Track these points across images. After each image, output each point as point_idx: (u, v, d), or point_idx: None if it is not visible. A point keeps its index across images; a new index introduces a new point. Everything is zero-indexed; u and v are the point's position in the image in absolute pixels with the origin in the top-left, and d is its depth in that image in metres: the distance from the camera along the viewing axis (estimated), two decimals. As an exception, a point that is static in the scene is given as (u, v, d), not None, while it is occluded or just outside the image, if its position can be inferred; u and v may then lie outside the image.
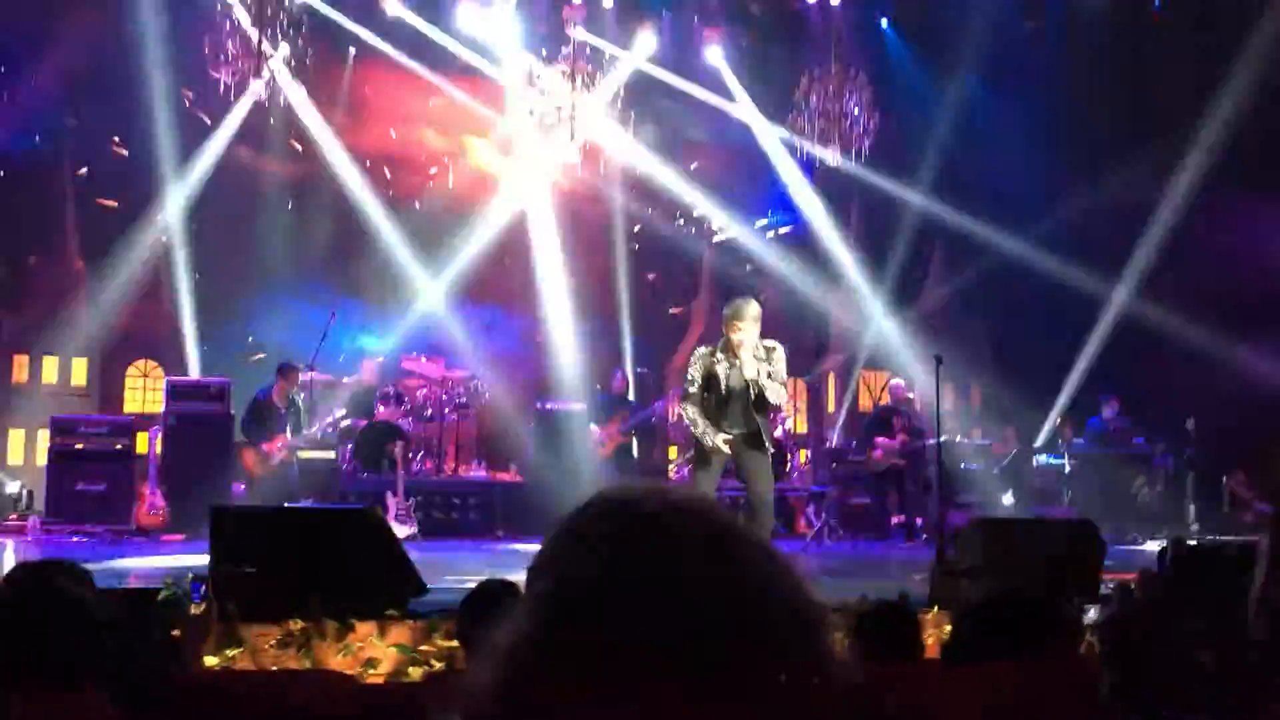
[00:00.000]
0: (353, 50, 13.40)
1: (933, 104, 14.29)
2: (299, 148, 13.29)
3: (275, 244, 13.35)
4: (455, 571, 7.03)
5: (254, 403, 10.76)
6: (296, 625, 4.82)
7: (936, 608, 5.64)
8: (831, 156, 12.87)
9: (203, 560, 5.18)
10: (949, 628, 4.32)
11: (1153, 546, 9.03)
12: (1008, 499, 12.51)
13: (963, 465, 12.01)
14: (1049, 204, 13.42)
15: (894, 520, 11.78)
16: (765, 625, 0.86)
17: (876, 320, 14.90)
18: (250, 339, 12.96)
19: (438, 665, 4.76)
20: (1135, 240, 13.37)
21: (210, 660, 4.68)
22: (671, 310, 15.37)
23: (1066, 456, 12.42)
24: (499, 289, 14.43)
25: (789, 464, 12.46)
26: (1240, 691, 1.28)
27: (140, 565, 7.67)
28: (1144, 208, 13.15)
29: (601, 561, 0.89)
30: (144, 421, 11.24)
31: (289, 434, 10.68)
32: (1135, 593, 1.34)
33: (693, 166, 14.60)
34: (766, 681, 0.84)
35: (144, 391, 13.53)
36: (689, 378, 6.69)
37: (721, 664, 0.83)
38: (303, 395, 11.20)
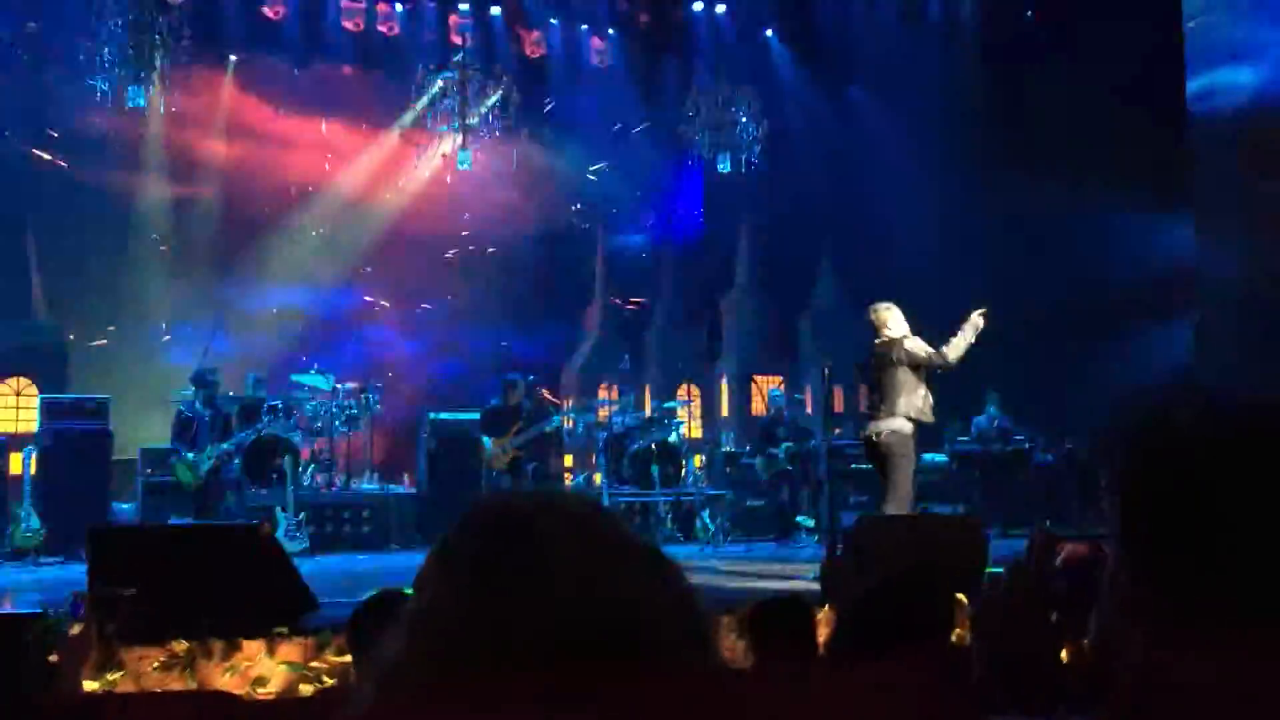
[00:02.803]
0: (233, 58, 13.13)
1: (819, 112, 14.56)
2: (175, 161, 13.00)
3: (154, 258, 13.02)
4: (348, 586, 6.92)
5: (177, 416, 10.50)
6: (180, 646, 4.69)
7: (828, 605, 5.74)
8: (721, 164, 13.04)
9: (81, 581, 5.02)
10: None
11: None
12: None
13: (852, 466, 12.22)
14: (933, 207, 13.79)
15: (796, 520, 11.95)
16: (642, 630, 0.87)
17: (769, 324, 15.10)
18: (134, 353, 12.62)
19: (330, 682, 4.68)
20: (1015, 244, 13.79)
21: (90, 685, 4.52)
22: (572, 311, 15.36)
23: (950, 456, 12.77)
24: (391, 297, 14.29)
25: (684, 469, 12.55)
26: (1088, 680, 1.33)
27: (15, 588, 7.38)
28: (1021, 213, 13.58)
29: (471, 576, 0.88)
30: (17, 441, 10.83)
31: (216, 443, 10.31)
32: (1003, 584, 1.39)
33: (590, 171, 14.63)
34: (644, 685, 0.85)
35: (17, 410, 13.04)
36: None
37: (596, 671, 0.84)
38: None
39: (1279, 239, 11.89)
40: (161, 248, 13.20)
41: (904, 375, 7.11)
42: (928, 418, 7.25)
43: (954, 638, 5.23)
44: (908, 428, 7.11)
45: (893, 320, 7.33)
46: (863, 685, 2.14)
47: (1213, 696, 1.02)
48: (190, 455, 10.20)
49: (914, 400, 7.14)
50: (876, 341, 7.32)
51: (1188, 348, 13.00)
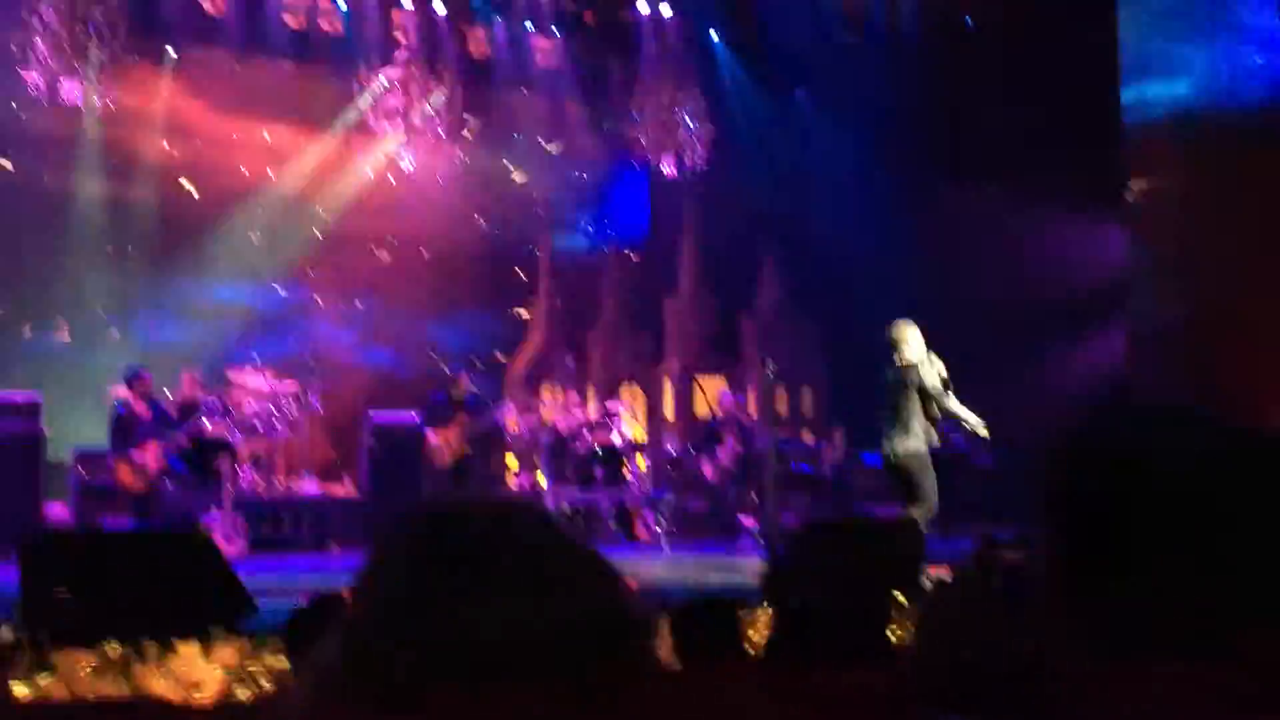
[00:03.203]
0: (172, 53, 12.92)
1: (763, 116, 14.66)
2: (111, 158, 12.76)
3: (91, 254, 12.77)
4: (287, 588, 6.85)
5: (114, 417, 10.23)
6: (114, 649, 4.61)
7: (768, 608, 5.78)
8: (666, 166, 13.09)
9: (12, 587, 4.92)
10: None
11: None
12: (838, 499, 12.90)
13: (793, 467, 12.32)
14: (875, 211, 13.94)
15: (739, 522, 12.01)
16: (579, 636, 0.87)
17: (712, 325, 15.17)
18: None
19: (267, 685, 4.62)
20: (954, 250, 13.99)
21: (20, 689, 4.44)
22: (515, 310, 15.32)
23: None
24: (331, 296, 14.16)
25: (627, 470, 12.57)
26: (1022, 686, 1.36)
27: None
28: (960, 218, 13.77)
29: (407, 584, 0.88)
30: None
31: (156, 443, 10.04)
32: (949, 589, 1.40)
33: (532, 171, 14.60)
34: (577, 689, 0.85)
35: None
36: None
37: (530, 675, 0.84)
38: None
39: (1209, 247, 12.17)
40: (107, 247, 12.93)
41: (916, 400, 7.39)
42: (935, 442, 7.56)
43: (893, 638, 5.30)
44: (924, 447, 7.41)
45: (911, 339, 7.49)
46: (800, 687, 2.16)
47: (1131, 708, 1.05)
48: (132, 457, 9.96)
49: (924, 422, 7.44)
50: (896, 363, 7.48)
51: (1122, 354, 13.30)
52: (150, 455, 10.01)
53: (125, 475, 9.97)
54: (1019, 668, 1.37)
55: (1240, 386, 11.59)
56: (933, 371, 7.47)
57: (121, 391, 10.30)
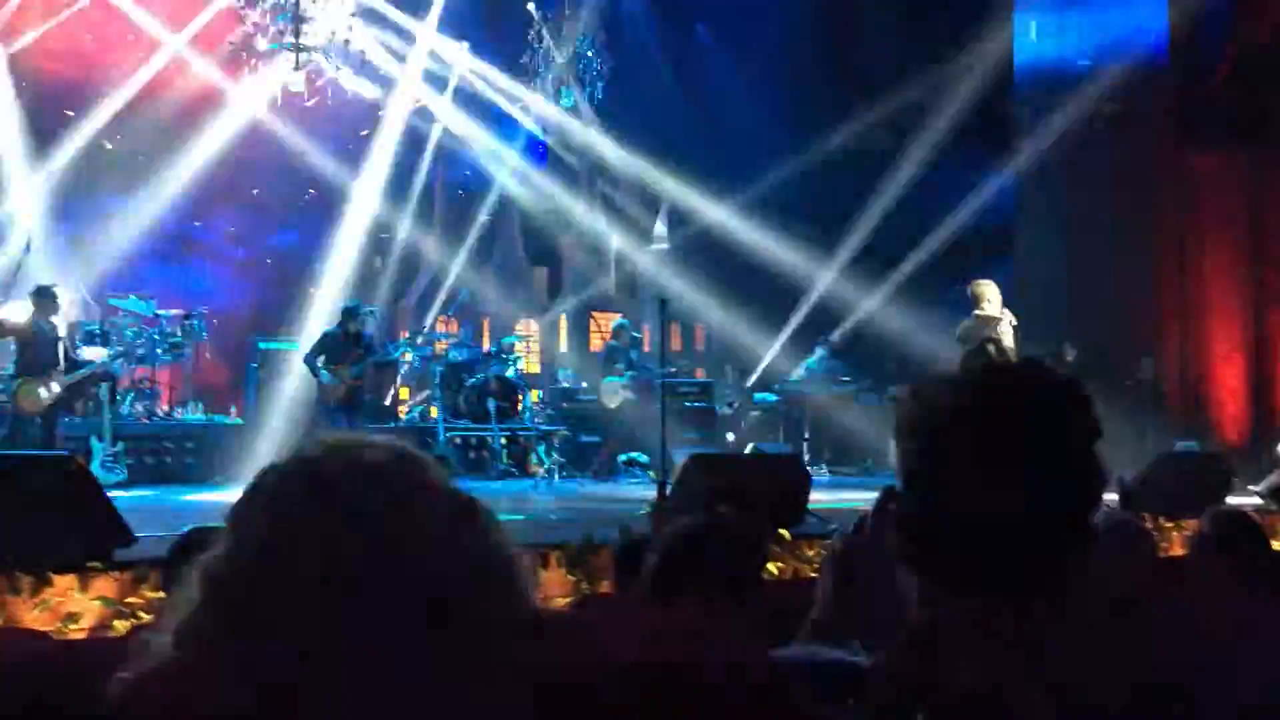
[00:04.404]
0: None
1: (664, 50, 14.57)
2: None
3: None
4: (168, 519, 6.72)
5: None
6: (-14, 580, 4.48)
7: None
8: (565, 99, 12.95)
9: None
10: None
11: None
12: (729, 436, 13.09)
13: (685, 404, 12.44)
14: (774, 149, 14.00)
15: (630, 457, 12.09)
16: (445, 579, 0.88)
17: (609, 262, 15.15)
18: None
19: (146, 618, 4.55)
20: (850, 192, 14.15)
21: (-115, 622, 4.30)
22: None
23: (779, 395, 13.17)
24: (219, 222, 13.76)
25: (521, 404, 12.56)
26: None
27: None
28: (856, 160, 13.92)
29: (267, 534, 0.88)
30: None
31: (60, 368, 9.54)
32: (862, 529, 1.46)
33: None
34: (449, 634, 0.86)
35: None
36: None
37: (399, 621, 0.84)
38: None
39: (1092, 199, 12.54)
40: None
41: (989, 349, 8.08)
42: None
43: (774, 570, 5.41)
44: None
45: (991, 295, 8.29)
46: (675, 619, 2.21)
47: (968, 645, 1.12)
48: (34, 380, 9.43)
49: None
50: (975, 314, 8.25)
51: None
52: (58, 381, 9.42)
53: (27, 400, 9.38)
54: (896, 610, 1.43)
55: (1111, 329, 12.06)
56: (1007, 325, 8.20)
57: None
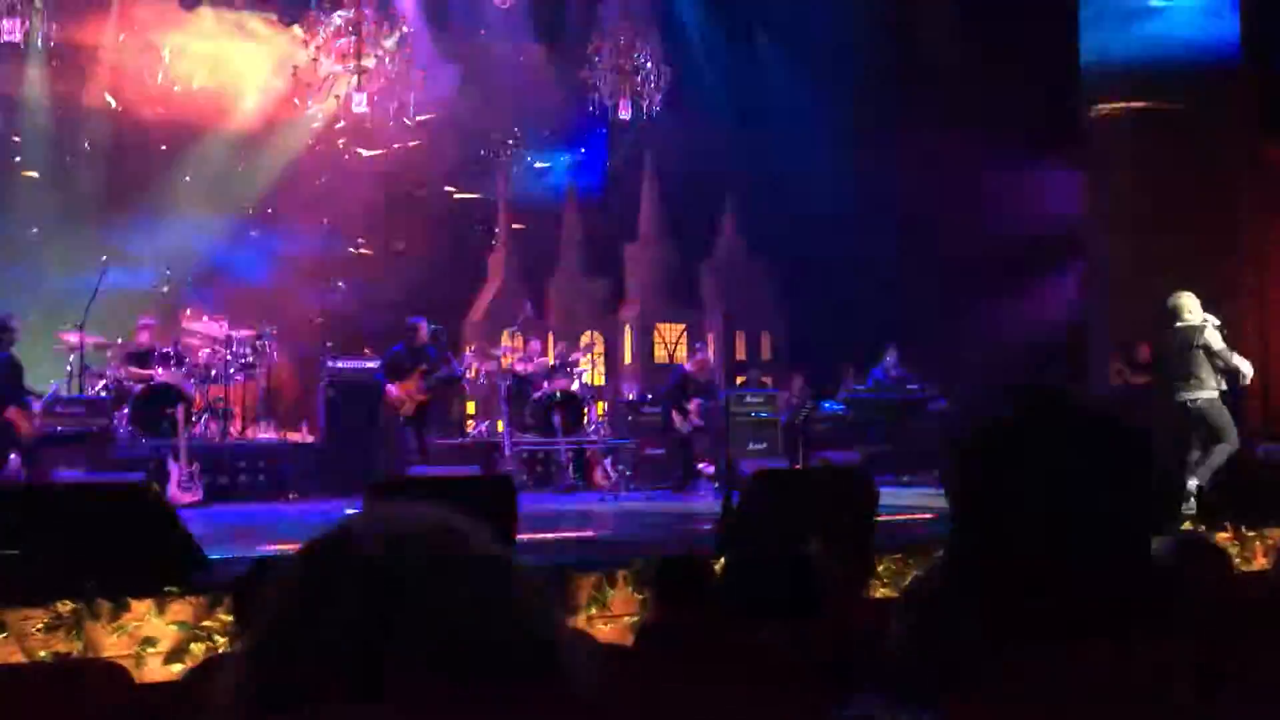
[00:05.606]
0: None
1: (724, 61, 14.54)
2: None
3: (37, 199, 12.51)
4: (243, 539, 6.83)
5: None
6: (66, 606, 4.58)
7: (724, 558, 5.83)
8: (624, 111, 12.97)
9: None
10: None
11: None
12: (795, 448, 12.98)
13: (752, 415, 12.38)
14: (836, 159, 13.89)
15: (696, 468, 12.04)
16: (489, 651, 0.87)
17: (672, 273, 15.13)
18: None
19: (222, 641, 4.62)
20: (915, 199, 13.99)
21: (-31, 649, 4.41)
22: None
23: (847, 404, 13.01)
24: (286, 240, 13.99)
25: (586, 417, 12.59)
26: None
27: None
28: (920, 168, 13.76)
29: (309, 592, 0.88)
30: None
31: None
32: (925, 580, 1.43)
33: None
34: (493, 706, 0.85)
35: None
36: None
37: (442, 697, 0.84)
38: (72, 357, 10.58)
39: (1161, 196, 12.26)
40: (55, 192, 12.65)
41: (1202, 355, 8.45)
42: (1223, 386, 8.55)
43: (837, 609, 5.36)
44: (1215, 394, 8.45)
45: (1191, 305, 8.61)
46: (741, 644, 2.19)
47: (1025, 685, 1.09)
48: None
49: (1213, 374, 8.48)
50: (1178, 325, 8.57)
51: (1074, 302, 13.45)
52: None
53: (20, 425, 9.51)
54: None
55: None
56: (1214, 330, 8.48)
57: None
